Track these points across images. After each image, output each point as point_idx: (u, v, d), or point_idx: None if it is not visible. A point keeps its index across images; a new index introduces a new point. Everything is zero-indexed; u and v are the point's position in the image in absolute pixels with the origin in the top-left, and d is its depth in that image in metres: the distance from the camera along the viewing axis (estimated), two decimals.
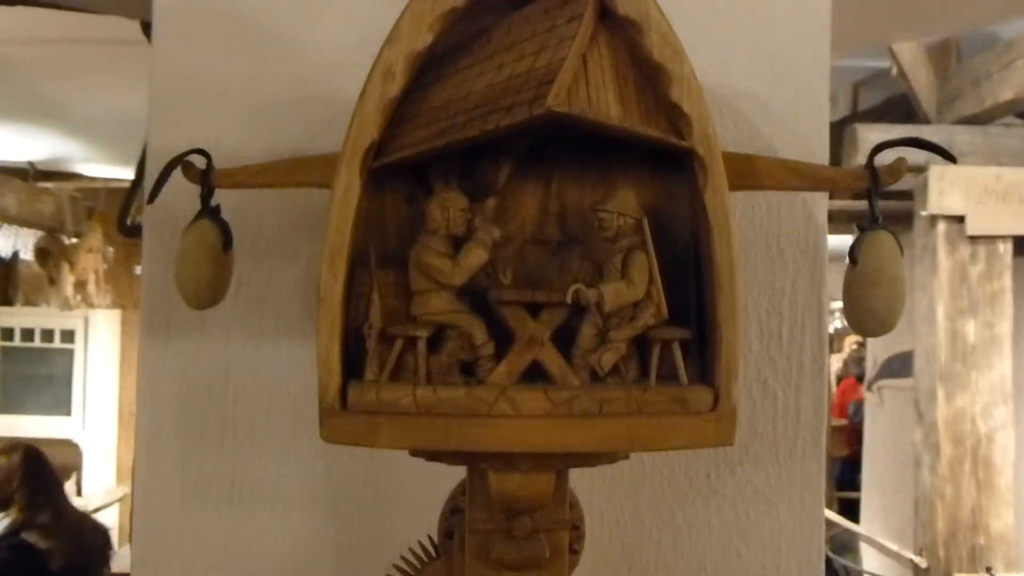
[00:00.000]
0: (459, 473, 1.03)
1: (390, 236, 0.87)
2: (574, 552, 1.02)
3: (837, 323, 10.81)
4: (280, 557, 1.25)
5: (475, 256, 0.83)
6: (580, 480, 1.05)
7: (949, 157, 1.02)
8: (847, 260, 0.93)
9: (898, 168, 0.92)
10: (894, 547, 4.62)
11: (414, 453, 0.89)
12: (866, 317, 0.92)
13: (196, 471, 1.26)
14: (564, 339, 0.83)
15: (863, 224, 0.92)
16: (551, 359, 0.81)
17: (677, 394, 0.81)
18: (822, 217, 1.29)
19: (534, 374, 0.82)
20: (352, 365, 0.83)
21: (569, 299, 0.80)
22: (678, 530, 1.26)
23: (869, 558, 5.18)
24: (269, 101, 1.24)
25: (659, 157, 0.88)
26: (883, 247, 0.91)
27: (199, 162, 0.98)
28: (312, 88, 1.24)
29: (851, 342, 8.89)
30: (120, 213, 1.90)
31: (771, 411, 1.27)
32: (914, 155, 3.26)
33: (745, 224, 1.26)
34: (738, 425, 1.24)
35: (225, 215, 1.25)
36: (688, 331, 0.83)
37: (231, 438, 1.26)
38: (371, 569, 1.13)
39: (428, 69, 0.85)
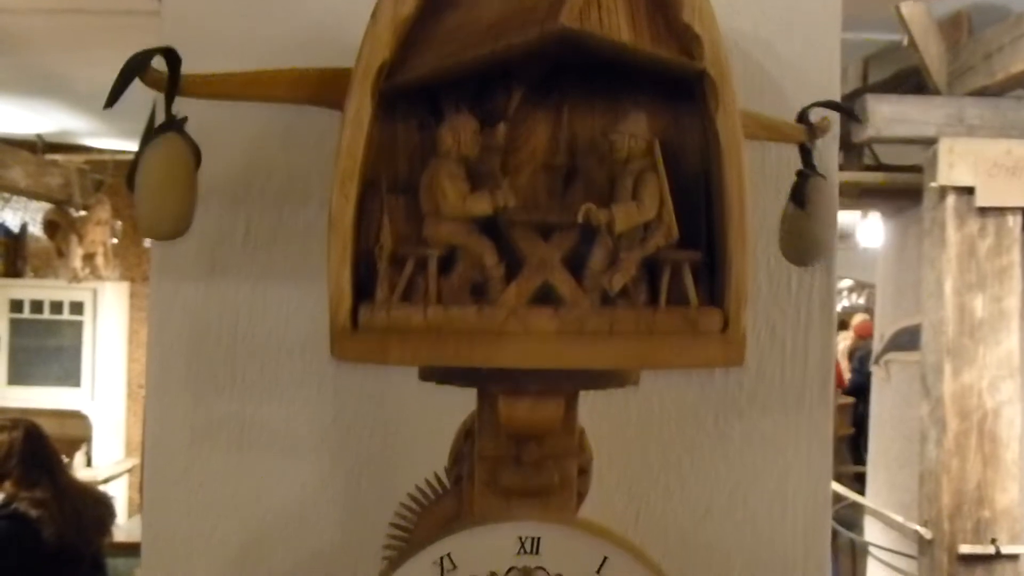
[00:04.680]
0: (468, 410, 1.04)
1: (401, 164, 0.87)
2: (579, 495, 1.03)
3: (845, 302, 10.81)
4: (289, 501, 1.25)
5: (481, 205, 0.83)
6: (588, 424, 1.06)
7: (854, 117, 1.15)
8: (790, 202, 1.08)
9: (824, 126, 1.07)
10: (899, 519, 4.63)
11: (424, 376, 0.89)
12: (810, 247, 1.08)
13: (205, 416, 1.27)
14: (575, 266, 0.84)
15: (804, 172, 1.08)
16: (561, 281, 0.82)
17: (687, 315, 0.81)
18: (832, 164, 1.29)
19: (545, 297, 0.82)
20: (363, 289, 0.84)
21: (580, 219, 0.80)
22: (685, 475, 1.26)
23: (874, 532, 5.19)
24: (280, 59, 1.24)
25: (669, 87, 0.89)
26: (823, 189, 1.08)
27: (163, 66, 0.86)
28: (324, 46, 1.23)
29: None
30: (129, 172, 1.90)
31: (779, 357, 1.27)
32: (924, 128, 3.25)
33: (754, 171, 1.26)
34: (746, 371, 1.27)
35: (231, 159, 1.26)
36: (698, 253, 0.83)
37: (240, 383, 1.27)
38: (380, 513, 1.14)
39: None
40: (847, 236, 6.87)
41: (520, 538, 0.93)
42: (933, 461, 4.24)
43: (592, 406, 1.09)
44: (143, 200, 0.86)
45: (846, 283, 10.13)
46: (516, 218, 0.82)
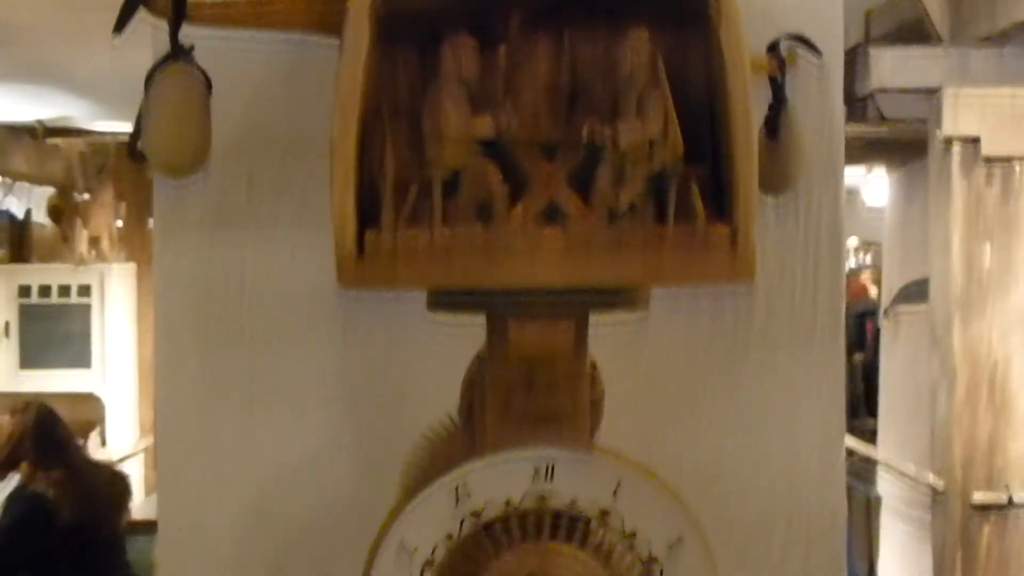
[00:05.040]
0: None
1: (402, 90, 0.87)
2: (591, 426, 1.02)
3: (852, 261, 10.77)
4: (300, 453, 1.25)
5: (484, 126, 0.82)
6: (600, 363, 1.05)
7: (814, 49, 1.18)
8: (764, 134, 1.06)
9: (792, 56, 1.13)
10: (912, 471, 4.63)
11: (433, 306, 0.89)
12: (782, 177, 1.09)
13: (214, 371, 1.26)
14: (581, 185, 0.83)
15: (775, 104, 1.09)
16: (567, 200, 0.81)
17: (695, 230, 0.81)
18: (837, 99, 1.28)
19: (551, 216, 0.82)
20: (368, 218, 0.83)
21: (584, 138, 0.80)
22: (697, 411, 1.26)
23: (885, 485, 5.19)
24: None
25: (672, 11, 0.88)
26: (794, 120, 1.09)
27: None
28: None
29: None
30: (130, 140, 1.89)
31: (789, 292, 1.27)
32: (928, 79, 3.21)
33: (762, 102, 1.25)
34: (756, 305, 1.26)
35: (233, 110, 1.25)
36: (706, 167, 0.83)
37: (248, 337, 1.26)
38: (393, 460, 1.14)
39: None
40: (852, 194, 6.85)
41: (535, 465, 0.93)
42: (944, 412, 4.24)
43: (604, 344, 1.08)
44: (157, 134, 0.86)
45: (852, 242, 10.10)
46: (520, 138, 0.82)
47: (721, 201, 0.84)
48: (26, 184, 6.55)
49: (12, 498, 3.87)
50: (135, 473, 5.31)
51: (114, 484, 4.22)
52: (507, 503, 0.94)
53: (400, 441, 1.13)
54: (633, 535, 0.94)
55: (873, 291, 7.70)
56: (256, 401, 1.25)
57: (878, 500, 5.11)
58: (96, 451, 5.47)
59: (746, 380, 1.26)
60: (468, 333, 1.01)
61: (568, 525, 0.95)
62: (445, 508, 0.94)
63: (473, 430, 1.04)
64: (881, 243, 6.61)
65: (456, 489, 0.93)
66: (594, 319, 0.94)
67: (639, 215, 0.82)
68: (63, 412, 4.14)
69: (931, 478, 4.24)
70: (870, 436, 5.53)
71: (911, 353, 4.94)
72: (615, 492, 0.94)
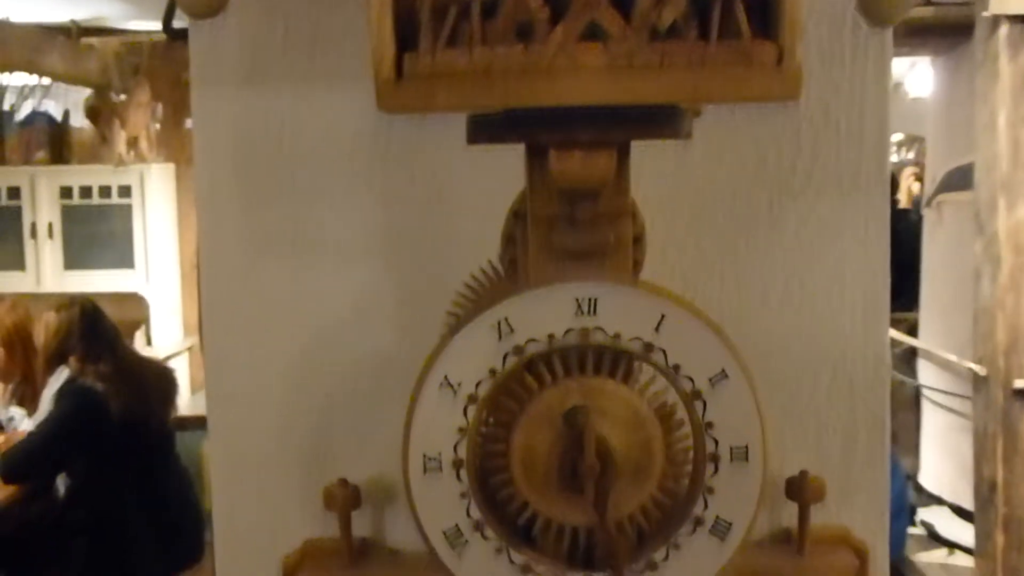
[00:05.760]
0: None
1: None
2: (635, 263, 1.02)
3: (894, 158, 10.60)
4: (343, 305, 1.26)
5: None
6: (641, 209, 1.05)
7: None
8: None
9: None
10: (953, 358, 4.61)
11: (473, 138, 0.88)
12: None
13: (256, 225, 1.27)
14: (623, 5, 0.81)
15: None
16: (609, 18, 0.79)
17: (741, 47, 0.79)
18: None
19: (592, 36, 0.80)
20: (406, 43, 0.82)
21: None
22: (740, 261, 1.25)
23: (927, 375, 5.18)
24: None
25: None
26: None
27: None
28: None
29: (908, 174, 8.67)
30: (165, 14, 1.89)
31: (833, 137, 1.24)
32: None
33: None
34: (800, 153, 1.24)
35: None
36: None
37: (289, 190, 1.26)
38: (435, 311, 1.14)
39: None
40: (896, 86, 6.70)
41: (577, 299, 0.93)
42: (988, 298, 4.20)
43: (643, 188, 1.07)
44: None
45: (896, 137, 9.93)
46: None
47: (767, 20, 0.82)
48: (63, 87, 6.56)
49: (63, 392, 3.97)
50: (180, 371, 5.40)
51: (162, 378, 4.31)
52: (550, 338, 0.94)
53: (443, 289, 1.14)
54: (676, 369, 0.94)
55: (916, 188, 7.59)
56: (299, 254, 1.26)
57: (917, 391, 5.11)
58: (142, 350, 5.57)
59: (791, 230, 1.25)
60: (510, 174, 1.00)
61: (611, 360, 0.95)
62: (488, 343, 0.94)
63: (515, 278, 1.04)
64: (924, 138, 6.49)
65: (499, 324, 0.94)
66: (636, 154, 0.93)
67: (682, 33, 0.80)
68: (109, 311, 4.21)
69: (973, 365, 4.22)
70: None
71: (953, 242, 4.88)
72: (658, 327, 0.94)
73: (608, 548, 0.93)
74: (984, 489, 4.29)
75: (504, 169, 1.03)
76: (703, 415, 0.95)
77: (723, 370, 0.95)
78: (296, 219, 1.26)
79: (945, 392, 4.94)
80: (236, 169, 1.27)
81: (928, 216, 5.22)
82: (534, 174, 0.90)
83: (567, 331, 0.93)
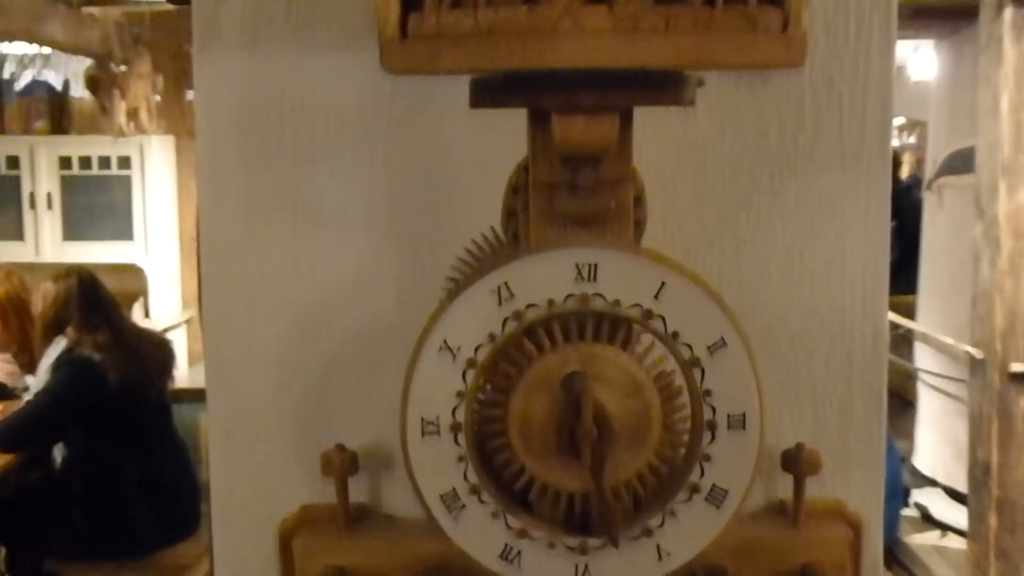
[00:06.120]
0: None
1: None
2: (637, 224, 1.01)
3: (896, 142, 10.59)
4: (344, 273, 1.26)
5: None
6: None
7: None
8: None
9: None
10: (950, 341, 4.62)
11: (476, 101, 0.87)
12: None
13: (257, 192, 1.27)
14: None
15: None
16: None
17: (746, 12, 0.78)
18: None
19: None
20: (410, 3, 0.82)
21: None
22: (741, 234, 1.25)
23: (924, 358, 5.19)
24: None
25: None
26: None
27: None
28: None
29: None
30: None
31: (836, 111, 1.24)
32: None
33: None
34: (802, 127, 1.24)
35: None
36: None
37: (291, 157, 1.26)
38: (435, 279, 1.14)
39: None
40: (899, 69, 6.69)
41: (577, 265, 0.93)
42: (986, 281, 4.21)
43: (645, 159, 1.07)
44: None
45: (898, 121, 9.93)
46: None
47: None
48: (63, 56, 6.54)
49: (60, 361, 3.97)
50: (178, 343, 5.41)
51: (159, 349, 4.32)
52: (549, 303, 0.94)
53: (444, 257, 1.14)
54: (675, 336, 0.95)
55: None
56: (300, 220, 1.25)
57: (914, 374, 5.12)
58: (140, 322, 5.58)
59: (791, 204, 1.24)
60: (511, 143, 1.00)
61: (610, 326, 0.95)
62: (488, 308, 0.94)
63: (517, 246, 1.04)
64: (926, 122, 6.48)
65: (499, 289, 0.94)
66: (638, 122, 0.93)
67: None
68: (107, 283, 4.21)
69: (970, 349, 4.23)
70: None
71: (954, 224, 4.88)
72: (658, 294, 0.94)
73: (604, 514, 0.94)
74: (978, 472, 4.31)
75: (506, 137, 1.03)
76: (701, 383, 0.95)
77: (722, 338, 0.95)
78: (296, 187, 1.26)
79: (942, 376, 4.95)
80: (237, 137, 1.26)
81: (928, 199, 5.22)
82: (536, 139, 0.90)
83: (567, 297, 0.94)
